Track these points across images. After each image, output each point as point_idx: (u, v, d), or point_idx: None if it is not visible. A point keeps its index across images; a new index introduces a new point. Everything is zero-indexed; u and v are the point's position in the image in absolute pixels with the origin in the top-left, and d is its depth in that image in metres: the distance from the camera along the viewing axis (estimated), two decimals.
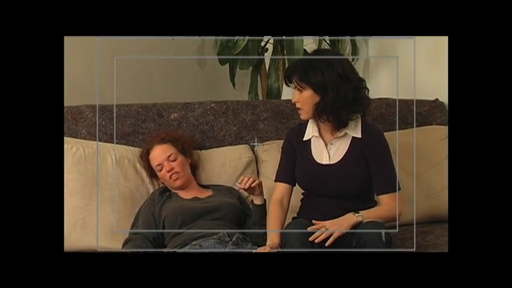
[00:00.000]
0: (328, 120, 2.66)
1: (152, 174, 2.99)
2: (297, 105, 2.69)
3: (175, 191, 2.96)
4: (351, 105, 2.65)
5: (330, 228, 2.50)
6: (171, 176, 2.89)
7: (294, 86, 2.67)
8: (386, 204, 2.67)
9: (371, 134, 2.71)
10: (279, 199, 2.76)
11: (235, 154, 3.17)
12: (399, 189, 2.69)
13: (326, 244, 2.48)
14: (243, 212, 2.91)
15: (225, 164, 3.13)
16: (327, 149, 2.73)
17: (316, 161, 2.73)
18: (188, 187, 2.96)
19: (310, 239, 2.49)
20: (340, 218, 2.55)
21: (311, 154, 2.75)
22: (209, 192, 2.98)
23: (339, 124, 2.68)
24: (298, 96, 2.66)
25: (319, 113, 2.65)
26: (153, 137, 3.02)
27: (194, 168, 3.05)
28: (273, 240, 2.60)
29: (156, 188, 3.01)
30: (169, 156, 2.91)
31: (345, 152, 2.71)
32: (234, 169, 3.13)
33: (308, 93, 2.63)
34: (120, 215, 2.90)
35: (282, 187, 2.79)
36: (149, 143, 2.99)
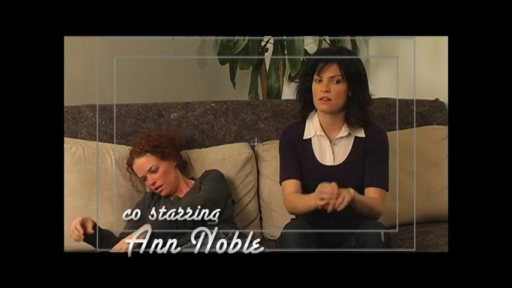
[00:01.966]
0: (358, 118, 2.65)
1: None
2: (325, 95, 2.63)
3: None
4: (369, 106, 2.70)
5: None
6: (155, 188, 2.89)
7: (332, 75, 2.62)
8: (371, 198, 2.65)
9: (372, 133, 2.71)
10: (293, 192, 2.69)
11: (234, 150, 3.17)
12: (387, 190, 2.69)
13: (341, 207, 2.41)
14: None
15: (224, 160, 3.13)
16: (332, 149, 2.71)
17: (319, 162, 2.71)
18: (175, 191, 2.95)
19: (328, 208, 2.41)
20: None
21: (313, 154, 2.73)
22: (189, 186, 2.96)
23: (364, 122, 2.69)
24: (333, 87, 2.62)
25: (353, 108, 2.65)
26: (133, 147, 2.97)
27: (183, 166, 3.03)
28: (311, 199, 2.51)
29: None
30: (149, 169, 2.89)
31: (348, 152, 2.70)
32: (233, 164, 3.12)
33: (344, 86, 2.61)
34: (120, 215, 2.89)
35: (291, 183, 2.71)
36: (130, 157, 2.96)
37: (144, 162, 2.89)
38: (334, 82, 2.62)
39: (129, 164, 2.95)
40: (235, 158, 3.13)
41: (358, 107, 2.65)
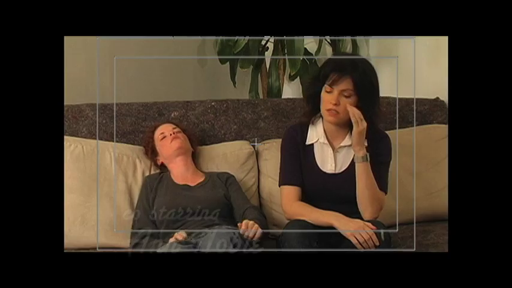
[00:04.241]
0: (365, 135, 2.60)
1: (152, 152, 3.03)
2: (334, 108, 2.57)
3: (170, 167, 2.98)
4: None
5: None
6: (172, 138, 2.94)
7: (343, 88, 2.55)
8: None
9: (376, 140, 2.66)
10: (293, 199, 2.67)
11: (235, 146, 3.18)
12: (386, 193, 2.67)
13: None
14: (230, 204, 2.89)
15: (226, 154, 3.14)
16: (334, 156, 2.69)
17: (320, 169, 2.69)
18: (185, 163, 2.97)
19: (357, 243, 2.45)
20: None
21: (314, 160, 2.71)
22: (201, 178, 2.97)
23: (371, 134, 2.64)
24: (342, 100, 2.56)
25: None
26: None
27: (195, 158, 3.07)
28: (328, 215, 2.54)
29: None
30: (174, 128, 2.99)
31: (350, 160, 2.67)
32: (236, 159, 3.13)
33: (354, 99, 2.56)
34: (120, 211, 2.91)
35: (292, 190, 2.69)
36: (157, 123, 3.08)
37: (172, 126, 3.03)
38: (345, 95, 2.56)
39: (154, 127, 3.05)
40: (237, 153, 3.14)
41: (367, 120, 2.58)
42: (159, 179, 2.93)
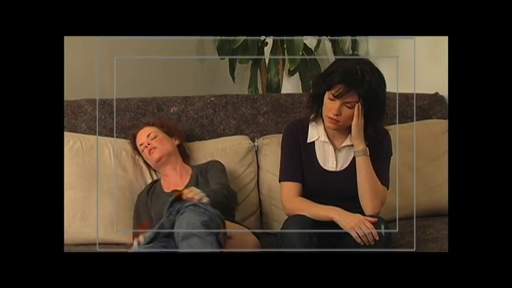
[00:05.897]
0: (371, 138, 2.60)
1: (146, 162, 3.03)
2: (334, 117, 2.55)
3: (161, 175, 2.98)
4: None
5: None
6: (149, 150, 2.92)
7: (347, 101, 2.52)
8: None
9: (377, 139, 2.65)
10: (294, 195, 2.66)
11: (235, 141, 3.18)
12: (388, 188, 2.67)
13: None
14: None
15: (225, 149, 3.14)
16: (335, 155, 2.69)
17: (321, 167, 2.69)
18: (174, 167, 2.96)
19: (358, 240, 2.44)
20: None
21: (316, 158, 2.70)
22: (188, 175, 2.95)
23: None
24: (344, 111, 2.53)
25: (367, 131, 2.58)
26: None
27: (183, 150, 3.07)
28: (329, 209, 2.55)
29: (154, 177, 3.04)
30: (149, 134, 2.96)
31: (351, 158, 2.66)
32: (235, 154, 3.13)
33: (356, 111, 2.54)
34: (120, 206, 2.91)
35: (292, 186, 2.68)
36: (135, 129, 3.04)
37: (147, 130, 2.98)
38: (347, 106, 2.53)
39: (134, 134, 3.02)
40: (236, 148, 3.14)
41: (372, 129, 2.58)
42: (152, 189, 2.93)
